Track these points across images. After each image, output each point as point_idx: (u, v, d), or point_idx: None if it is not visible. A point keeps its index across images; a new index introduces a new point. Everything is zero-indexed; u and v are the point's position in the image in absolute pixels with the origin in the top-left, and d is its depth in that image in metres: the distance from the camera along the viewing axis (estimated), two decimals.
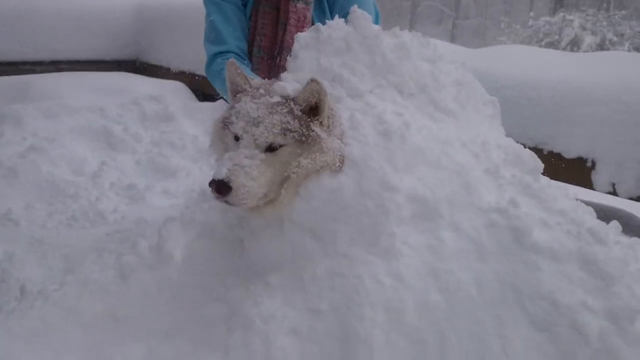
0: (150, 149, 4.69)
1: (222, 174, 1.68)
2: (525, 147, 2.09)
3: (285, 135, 1.73)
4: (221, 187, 1.67)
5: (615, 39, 13.77)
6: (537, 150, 3.43)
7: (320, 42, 1.97)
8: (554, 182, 2.15)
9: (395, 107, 1.88)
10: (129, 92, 5.74)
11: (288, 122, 1.73)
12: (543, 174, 2.08)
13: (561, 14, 15.82)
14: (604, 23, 14.69)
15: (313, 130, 1.73)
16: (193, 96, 6.55)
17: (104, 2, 7.65)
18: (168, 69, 7.11)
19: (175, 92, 6.26)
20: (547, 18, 16.61)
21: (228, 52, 2.53)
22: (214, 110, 4.91)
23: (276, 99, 1.78)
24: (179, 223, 2.16)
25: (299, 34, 2.01)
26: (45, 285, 2.46)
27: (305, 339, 1.61)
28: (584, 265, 1.69)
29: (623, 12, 16.64)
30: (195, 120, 5.27)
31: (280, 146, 1.74)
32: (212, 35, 2.60)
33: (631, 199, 3.20)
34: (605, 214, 1.98)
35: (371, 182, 1.72)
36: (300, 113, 1.75)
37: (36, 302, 2.01)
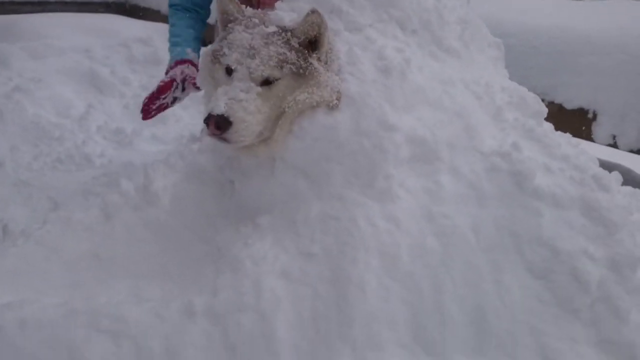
0: (138, 93, 4.56)
1: (221, 109, 1.57)
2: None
3: (282, 68, 1.62)
4: (221, 122, 1.57)
5: None
6: None
7: None
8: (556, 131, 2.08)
9: (396, 43, 1.77)
10: (117, 34, 5.55)
11: (285, 54, 1.62)
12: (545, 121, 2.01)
13: None
14: None
15: (311, 63, 1.63)
16: None
17: None
18: (158, 12, 6.88)
19: (164, 35, 6.05)
20: None
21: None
22: (205, 54, 4.77)
23: (272, 29, 1.67)
24: (165, 164, 2.08)
25: None
26: (29, 225, 2.40)
27: (296, 282, 1.55)
28: (587, 212, 1.64)
29: None
30: None
31: (277, 79, 1.63)
32: None
33: (631, 151, 3.15)
34: (603, 168, 1.92)
35: (368, 120, 1.63)
36: (297, 45, 1.65)
37: (18, 241, 1.94)
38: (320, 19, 1.62)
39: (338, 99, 1.67)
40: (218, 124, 1.57)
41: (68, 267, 1.81)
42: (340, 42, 1.74)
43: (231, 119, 1.57)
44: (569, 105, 3.33)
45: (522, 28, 3.60)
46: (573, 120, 3.31)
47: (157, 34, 5.91)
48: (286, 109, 1.66)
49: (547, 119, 2.03)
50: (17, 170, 3.27)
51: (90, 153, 3.59)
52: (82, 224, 1.95)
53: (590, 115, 3.27)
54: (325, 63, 1.69)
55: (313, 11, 1.61)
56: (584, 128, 3.29)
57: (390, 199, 1.63)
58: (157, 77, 4.82)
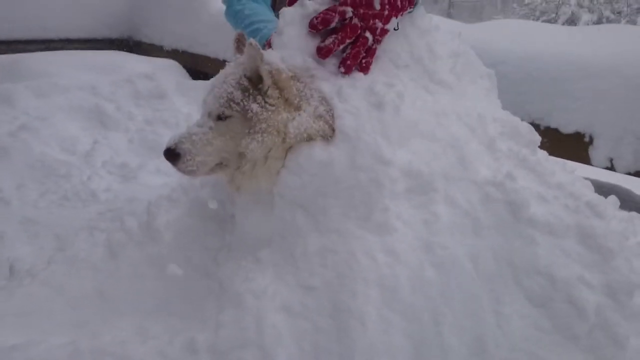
0: (143, 127, 4.64)
1: (171, 142, 1.71)
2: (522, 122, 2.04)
3: (230, 106, 1.70)
4: (169, 155, 1.70)
5: (612, 16, 13.67)
6: (534, 126, 3.28)
7: (306, 18, 1.89)
8: (551, 157, 2.11)
9: (387, 79, 1.81)
10: (122, 70, 5.66)
11: (232, 93, 1.70)
12: (540, 149, 2.04)
13: None
14: (601, 0, 14.56)
15: (251, 106, 1.68)
16: (186, 74, 6.47)
17: None
18: (161, 47, 7.01)
19: (168, 70, 6.18)
20: None
21: None
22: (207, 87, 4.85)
23: (234, 68, 1.76)
24: (168, 200, 2.12)
25: (284, 8, 1.92)
26: (35, 264, 2.44)
27: (297, 316, 1.57)
28: (582, 240, 1.66)
29: None
30: (189, 98, 5.21)
31: (230, 116, 1.71)
32: None
33: (629, 174, 3.16)
34: (602, 191, 1.94)
35: (364, 155, 1.66)
36: (247, 82, 1.70)
37: (24, 280, 1.98)
38: (255, 50, 1.65)
39: (325, 136, 1.71)
40: (167, 156, 1.70)
41: (73, 306, 1.84)
42: (328, 85, 1.77)
43: (177, 151, 1.69)
44: (565, 129, 3.36)
45: (516, 55, 3.64)
46: (570, 145, 3.33)
47: (160, 69, 6.02)
48: (246, 153, 1.71)
49: (543, 144, 2.06)
50: (23, 208, 3.32)
51: (95, 189, 3.64)
52: (87, 263, 1.99)
53: (587, 139, 3.29)
54: (285, 100, 1.70)
55: (249, 43, 1.65)
56: (584, 150, 3.32)
57: (387, 231, 1.66)
58: (161, 110, 4.92)
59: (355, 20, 1.76)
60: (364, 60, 1.81)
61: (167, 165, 1.76)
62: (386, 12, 1.79)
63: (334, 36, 1.76)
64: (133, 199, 3.43)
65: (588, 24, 13.63)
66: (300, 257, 1.66)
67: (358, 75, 1.80)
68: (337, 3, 1.78)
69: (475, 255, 1.65)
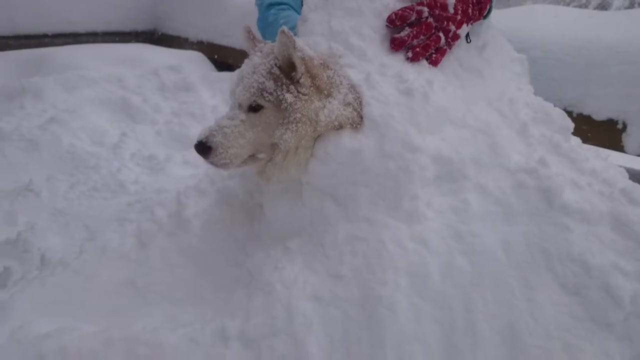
0: (170, 119, 4.67)
1: (202, 136, 1.69)
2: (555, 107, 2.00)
3: (262, 96, 1.67)
4: (200, 148, 1.68)
5: None
6: (567, 113, 3.29)
7: (330, 4, 1.87)
8: (584, 144, 2.07)
9: (415, 67, 1.79)
10: (148, 63, 5.71)
11: (263, 83, 1.67)
12: (573, 135, 2.00)
13: None
14: None
15: (284, 96, 1.65)
16: (212, 66, 6.50)
17: None
18: (186, 39, 7.05)
19: (193, 62, 6.21)
20: None
21: (282, 2, 2.48)
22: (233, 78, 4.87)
23: (262, 57, 1.73)
24: (196, 190, 2.13)
25: None
26: (66, 254, 2.48)
27: (327, 304, 1.57)
28: (617, 227, 1.63)
29: None
30: (215, 90, 5.24)
31: (262, 107, 1.68)
32: None
33: None
34: (636, 178, 1.90)
35: (393, 142, 1.65)
36: (278, 72, 1.68)
37: (56, 270, 2.01)
38: (287, 37, 1.62)
39: (353, 123, 1.69)
40: (199, 150, 1.68)
41: (105, 295, 1.86)
42: (355, 72, 1.76)
43: (209, 144, 1.67)
44: (598, 116, 3.29)
45: (547, 40, 3.57)
46: (603, 131, 3.27)
47: (186, 61, 6.06)
48: (279, 144, 1.69)
49: (576, 131, 2.02)
50: (53, 199, 3.37)
51: (124, 180, 3.68)
52: (118, 252, 2.01)
53: (620, 126, 3.22)
54: (317, 88, 1.68)
55: (281, 31, 1.62)
56: (617, 137, 3.25)
57: (417, 219, 1.64)
58: (187, 103, 4.96)
59: (431, 20, 1.83)
60: (433, 56, 1.86)
61: (194, 156, 1.76)
62: (459, 17, 1.86)
63: (409, 29, 1.81)
64: (161, 190, 3.47)
65: (619, 9, 13.31)
66: (330, 246, 1.65)
67: (387, 62, 1.78)
68: (414, 2, 1.86)
69: (507, 242, 1.62)
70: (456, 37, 1.89)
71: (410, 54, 1.81)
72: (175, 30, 7.27)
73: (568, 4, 14.71)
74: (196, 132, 4.37)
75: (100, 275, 1.91)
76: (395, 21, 1.81)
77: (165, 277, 1.92)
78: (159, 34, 7.55)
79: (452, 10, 1.85)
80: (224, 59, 6.43)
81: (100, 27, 7.22)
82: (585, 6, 14.05)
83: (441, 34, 1.84)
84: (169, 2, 7.34)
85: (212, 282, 1.89)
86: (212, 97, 5.15)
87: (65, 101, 4.65)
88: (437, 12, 1.83)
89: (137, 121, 4.66)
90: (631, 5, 13.49)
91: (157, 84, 5.25)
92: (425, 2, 1.83)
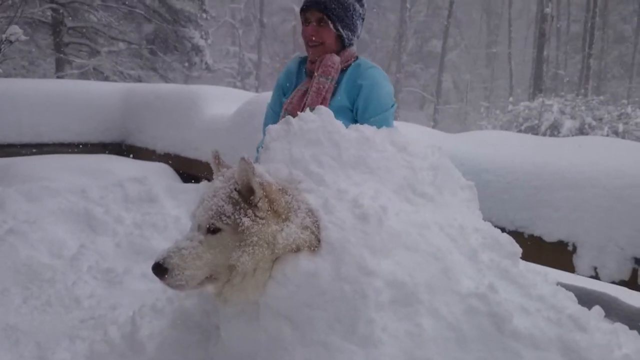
0: (131, 230, 4.65)
1: (160, 257, 1.71)
2: (505, 231, 2.09)
3: (221, 219, 1.72)
4: (157, 270, 1.70)
5: (594, 123, 14.14)
6: (518, 234, 3.43)
7: (291, 134, 2.00)
8: (533, 265, 2.14)
9: (371, 192, 1.88)
10: (113, 174, 5.76)
11: (222, 207, 1.73)
12: (524, 258, 2.07)
13: (540, 99, 16.30)
14: (583, 108, 15.12)
15: (242, 220, 1.71)
16: (177, 177, 6.58)
17: (91, 88, 7.81)
18: (154, 151, 7.18)
19: (159, 173, 6.29)
20: (527, 103, 17.11)
21: None
22: (198, 191, 4.92)
23: (223, 182, 1.80)
24: (152, 309, 2.11)
25: (270, 125, 2.06)
26: None
27: None
28: (566, 353, 1.65)
29: (601, 97, 17.21)
30: (179, 201, 5.27)
31: (220, 230, 1.73)
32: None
33: (613, 282, 3.18)
34: (588, 298, 1.96)
35: (349, 266, 1.69)
36: (237, 196, 1.74)
37: None
38: (246, 164, 1.70)
39: (311, 246, 1.74)
40: (155, 272, 1.70)
41: None
42: (314, 197, 1.84)
43: (166, 266, 1.69)
44: (549, 238, 3.42)
45: (498, 165, 3.77)
46: (554, 253, 3.38)
47: (151, 172, 6.13)
48: (237, 266, 1.72)
49: (527, 252, 2.10)
50: (6, 314, 3.26)
51: (79, 294, 3.60)
52: None
53: (570, 248, 3.34)
54: (275, 212, 1.74)
55: (241, 158, 1.70)
56: (567, 258, 3.35)
57: (373, 344, 1.65)
58: (150, 214, 4.96)
59: None
60: None
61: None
62: None
63: None
64: (117, 305, 3.39)
65: (571, 130, 14.05)
66: None
67: (344, 188, 1.86)
68: None
69: None
70: None
71: None
72: (143, 143, 7.40)
73: (521, 125, 15.51)
74: (157, 243, 4.36)
75: None
76: None
77: None
78: (127, 145, 7.67)
79: None
80: (190, 171, 6.54)
81: (67, 138, 7.30)
82: (538, 127, 14.79)
83: None
84: (138, 116, 7.53)
85: None
86: (175, 208, 5.18)
87: (26, 212, 4.61)
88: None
89: (98, 232, 4.62)
90: (582, 127, 14.25)
91: (121, 195, 5.27)
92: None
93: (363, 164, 1.99)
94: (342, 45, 2.73)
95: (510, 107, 17.53)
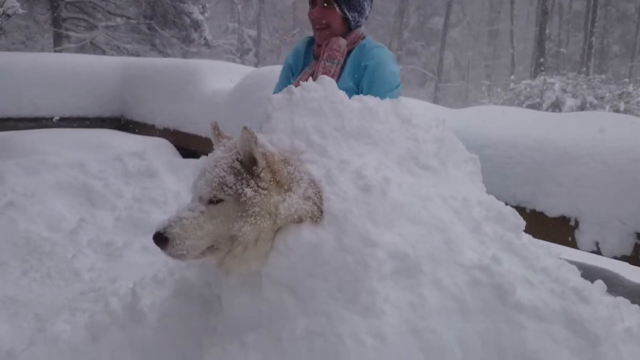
0: (131, 205, 4.65)
1: (160, 227, 1.69)
2: (507, 206, 2.07)
3: (223, 190, 1.70)
4: (158, 240, 1.68)
5: (595, 101, 14.08)
6: (520, 209, 3.40)
7: (293, 104, 1.96)
8: (536, 240, 2.13)
9: (374, 163, 1.86)
10: (112, 149, 5.73)
11: (224, 177, 1.70)
12: (525, 232, 2.06)
13: (542, 77, 16.20)
14: (584, 86, 15.05)
15: (244, 190, 1.68)
16: (177, 152, 6.55)
17: (89, 61, 7.72)
18: (152, 126, 7.13)
19: (158, 149, 6.26)
20: (528, 81, 17.02)
21: None
22: (197, 166, 4.90)
23: (225, 152, 1.77)
24: (154, 280, 2.10)
25: (272, 95, 2.02)
26: (15, 345, 2.38)
27: None
28: (569, 325, 1.65)
29: (602, 76, 17.11)
30: (178, 176, 5.26)
31: (222, 200, 1.71)
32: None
33: (615, 258, 3.18)
34: (589, 274, 1.96)
35: (351, 237, 1.68)
36: (239, 166, 1.72)
37: None
38: (249, 133, 1.67)
39: (313, 217, 1.73)
40: (156, 241, 1.68)
41: None
42: (316, 168, 1.82)
43: (167, 236, 1.67)
44: (551, 213, 3.41)
45: (500, 139, 3.74)
46: (555, 228, 3.37)
47: (151, 147, 6.10)
48: (238, 236, 1.70)
49: (529, 227, 2.08)
50: (4, 286, 3.27)
51: (79, 267, 3.60)
52: (68, 345, 1.95)
53: (572, 223, 3.33)
54: (277, 182, 1.72)
55: (243, 127, 1.68)
56: (569, 233, 3.35)
57: (375, 314, 1.65)
58: (149, 188, 4.95)
59: None
60: None
61: (153, 244, 1.75)
62: None
63: None
64: (117, 278, 3.40)
65: (572, 109, 13.99)
66: (287, 341, 1.64)
67: (347, 158, 1.84)
68: None
69: (464, 339, 1.63)
70: None
71: None
72: (142, 117, 7.35)
73: (522, 103, 15.44)
74: (157, 218, 4.36)
75: None
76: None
77: None
78: (126, 120, 7.62)
79: None
80: (190, 146, 6.50)
81: (66, 112, 7.24)
82: (539, 105, 14.74)
83: None
84: (137, 90, 7.47)
85: None
86: (175, 183, 5.17)
87: (25, 185, 4.59)
88: None
89: (97, 206, 4.62)
90: (583, 105, 14.20)
91: (120, 169, 5.25)
92: None
93: (366, 135, 1.96)
94: (348, 27, 2.69)
95: (511, 85, 17.44)
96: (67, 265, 3.61)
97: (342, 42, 2.63)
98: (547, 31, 22.06)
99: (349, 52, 2.67)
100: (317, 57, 2.70)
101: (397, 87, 2.64)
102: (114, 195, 4.79)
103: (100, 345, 1.89)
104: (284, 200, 1.72)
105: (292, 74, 2.82)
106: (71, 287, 3.35)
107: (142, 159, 5.47)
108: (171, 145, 6.66)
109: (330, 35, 2.65)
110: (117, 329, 1.93)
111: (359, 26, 2.73)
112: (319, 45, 2.70)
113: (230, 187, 1.70)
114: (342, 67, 2.64)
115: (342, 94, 2.03)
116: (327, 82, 2.03)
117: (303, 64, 2.80)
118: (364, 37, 2.73)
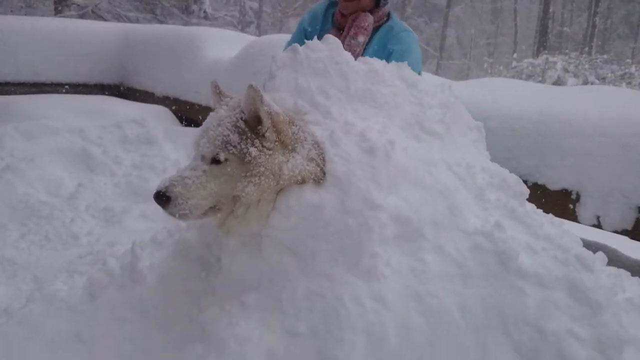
0: (130, 171, 4.62)
1: (162, 186, 1.66)
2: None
3: (226, 149, 1.66)
4: (159, 199, 1.64)
5: (597, 81, 13.99)
6: None
7: (297, 63, 1.92)
8: (539, 210, 2.11)
9: (378, 126, 1.83)
10: (111, 115, 5.69)
11: (228, 136, 1.67)
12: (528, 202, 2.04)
13: (544, 56, 16.07)
14: (586, 66, 14.94)
15: (249, 149, 1.65)
16: (176, 120, 6.51)
17: (89, 27, 7.63)
18: (152, 94, 7.07)
19: (158, 116, 6.22)
20: (531, 60, 16.88)
21: None
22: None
23: (228, 110, 1.73)
24: (152, 241, 2.09)
25: (276, 54, 1.97)
26: (11, 304, 2.37)
27: None
28: (571, 292, 1.64)
29: (605, 56, 16.98)
30: (177, 144, 5.23)
31: (225, 160, 1.67)
32: None
33: (615, 232, 3.17)
34: (588, 249, 1.94)
35: (354, 199, 1.66)
36: (244, 125, 1.68)
37: (0, 319, 1.91)
38: (255, 91, 1.63)
39: (316, 179, 1.70)
40: (157, 200, 1.65)
41: (49, 347, 1.78)
42: (320, 129, 1.79)
43: (169, 195, 1.64)
44: (553, 186, 3.39)
45: (503, 112, 3.71)
46: (557, 201, 3.36)
47: (150, 115, 6.05)
48: (241, 197, 1.68)
49: (531, 200, 2.07)
50: (2, 248, 3.26)
51: (77, 231, 3.59)
52: (66, 303, 1.93)
53: (574, 196, 3.32)
54: (282, 143, 1.69)
55: (249, 85, 1.63)
56: (570, 207, 3.34)
57: (376, 277, 1.64)
58: (149, 156, 4.92)
59: None
60: None
61: (152, 210, 1.72)
62: None
63: None
64: (115, 242, 3.39)
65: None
66: (287, 302, 1.63)
67: (351, 120, 1.81)
68: None
69: (464, 304, 1.62)
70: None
71: None
72: (142, 85, 7.29)
73: (524, 80, 15.33)
74: (155, 184, 4.34)
75: (45, 326, 1.83)
76: None
77: (114, 332, 1.84)
78: (125, 87, 7.56)
79: None
80: (189, 114, 6.46)
81: (66, 78, 7.18)
82: (541, 83, 14.65)
83: None
84: (138, 57, 7.39)
85: (162, 338, 1.82)
86: (174, 151, 5.13)
87: (23, 150, 4.56)
88: None
89: (96, 172, 4.59)
90: (584, 84, 14.13)
91: (120, 136, 5.22)
92: None
93: (371, 98, 1.92)
94: (377, 3, 2.62)
95: (514, 63, 17.29)
96: (65, 229, 3.60)
97: (370, 19, 2.55)
98: (551, 10, 21.86)
99: (374, 30, 2.59)
100: (337, 27, 2.62)
101: (418, 74, 2.58)
102: (112, 161, 4.76)
103: (99, 303, 1.88)
104: (287, 160, 1.69)
105: (306, 37, 2.72)
106: (69, 250, 3.34)
107: (142, 126, 5.43)
108: (171, 113, 6.62)
109: (358, 9, 2.57)
110: (115, 289, 1.92)
111: (386, 3, 2.66)
112: (343, 16, 2.61)
113: (235, 147, 1.66)
114: (366, 46, 2.58)
115: (348, 54, 1.99)
116: (332, 42, 1.99)
117: (320, 29, 2.71)
118: (389, 15, 2.66)
